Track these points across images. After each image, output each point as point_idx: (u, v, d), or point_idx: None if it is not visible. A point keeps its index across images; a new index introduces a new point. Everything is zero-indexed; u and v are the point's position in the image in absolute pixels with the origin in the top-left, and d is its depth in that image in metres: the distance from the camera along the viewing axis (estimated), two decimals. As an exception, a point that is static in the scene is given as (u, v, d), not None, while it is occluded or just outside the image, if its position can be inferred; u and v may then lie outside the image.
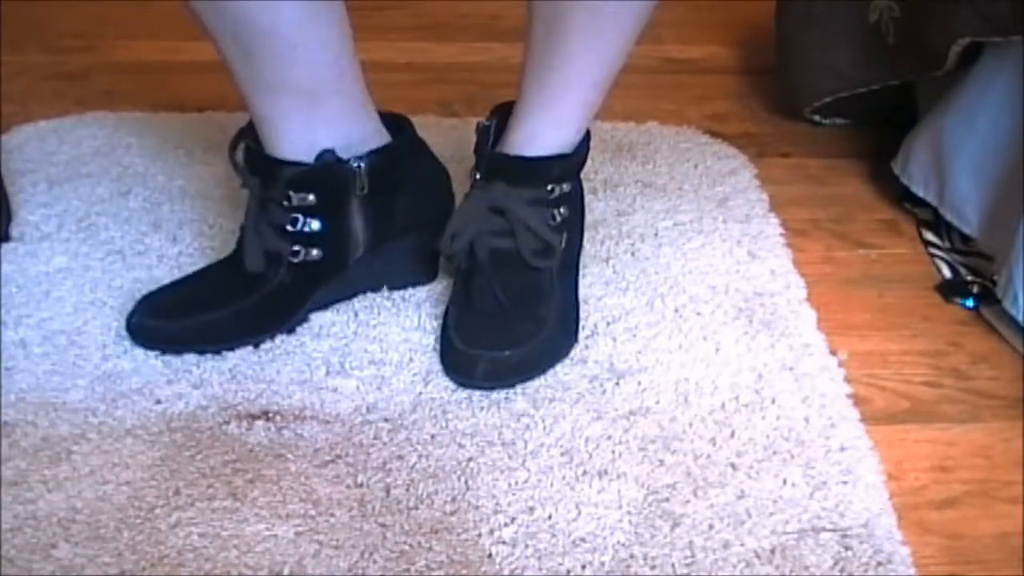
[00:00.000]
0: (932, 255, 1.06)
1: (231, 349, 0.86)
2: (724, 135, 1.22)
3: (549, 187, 0.88)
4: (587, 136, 0.91)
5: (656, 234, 1.03)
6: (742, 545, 0.74)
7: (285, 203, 0.86)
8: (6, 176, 1.00)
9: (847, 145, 1.23)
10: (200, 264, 0.95)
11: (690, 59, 1.40)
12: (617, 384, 0.86)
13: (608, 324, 0.92)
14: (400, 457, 0.79)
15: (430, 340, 0.89)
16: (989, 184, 1.00)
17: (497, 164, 0.87)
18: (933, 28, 1.01)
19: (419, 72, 1.31)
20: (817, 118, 1.25)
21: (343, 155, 0.86)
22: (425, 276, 0.95)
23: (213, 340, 0.86)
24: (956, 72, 1.02)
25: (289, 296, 0.88)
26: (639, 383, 0.86)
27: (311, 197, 0.85)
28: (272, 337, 0.88)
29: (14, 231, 0.98)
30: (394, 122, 0.92)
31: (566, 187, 0.89)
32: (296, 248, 0.87)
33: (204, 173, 1.08)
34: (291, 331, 0.89)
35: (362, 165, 0.87)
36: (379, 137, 0.90)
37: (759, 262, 1.01)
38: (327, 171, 0.86)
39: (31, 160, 1.08)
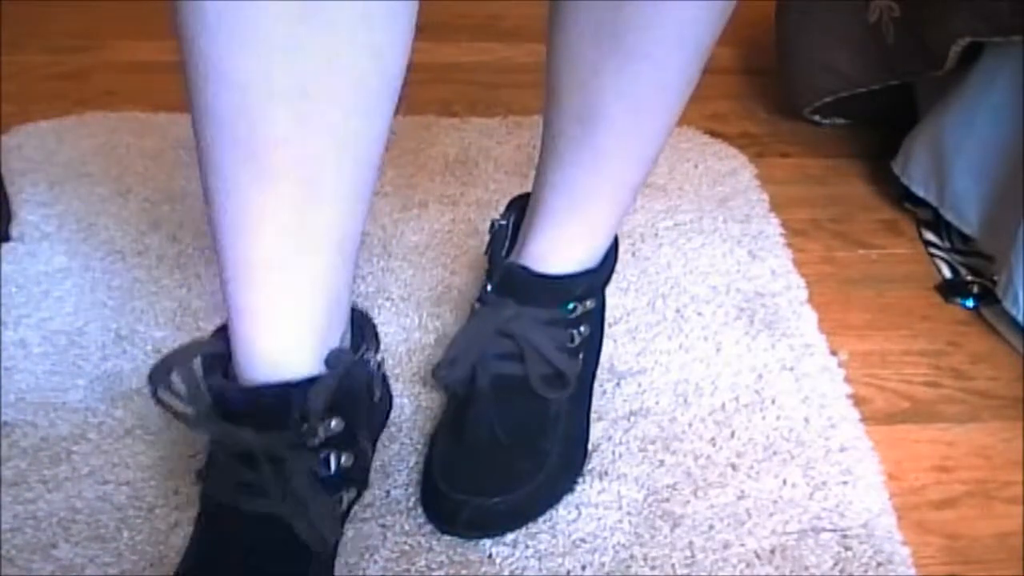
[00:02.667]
0: (932, 255, 1.06)
1: None
2: (724, 135, 1.22)
3: (571, 306, 0.76)
4: (615, 243, 0.79)
5: (656, 234, 1.03)
6: (742, 545, 0.74)
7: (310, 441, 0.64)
8: (6, 176, 1.00)
9: (847, 145, 1.23)
10: (200, 264, 0.95)
11: (690, 59, 1.40)
12: (618, 385, 0.86)
13: (609, 325, 0.91)
14: (400, 457, 0.79)
15: (430, 340, 0.89)
16: (989, 184, 1.00)
17: (511, 279, 0.75)
18: (933, 28, 1.01)
19: (419, 72, 1.29)
20: (817, 118, 1.24)
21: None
22: None
23: None
24: (956, 72, 1.02)
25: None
26: (639, 384, 0.86)
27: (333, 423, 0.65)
28: None
29: (14, 231, 0.98)
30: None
31: (590, 304, 0.77)
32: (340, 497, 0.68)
33: (204, 173, 1.08)
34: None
35: (377, 359, 0.73)
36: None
37: (759, 262, 1.01)
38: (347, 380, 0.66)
39: (31, 160, 1.08)
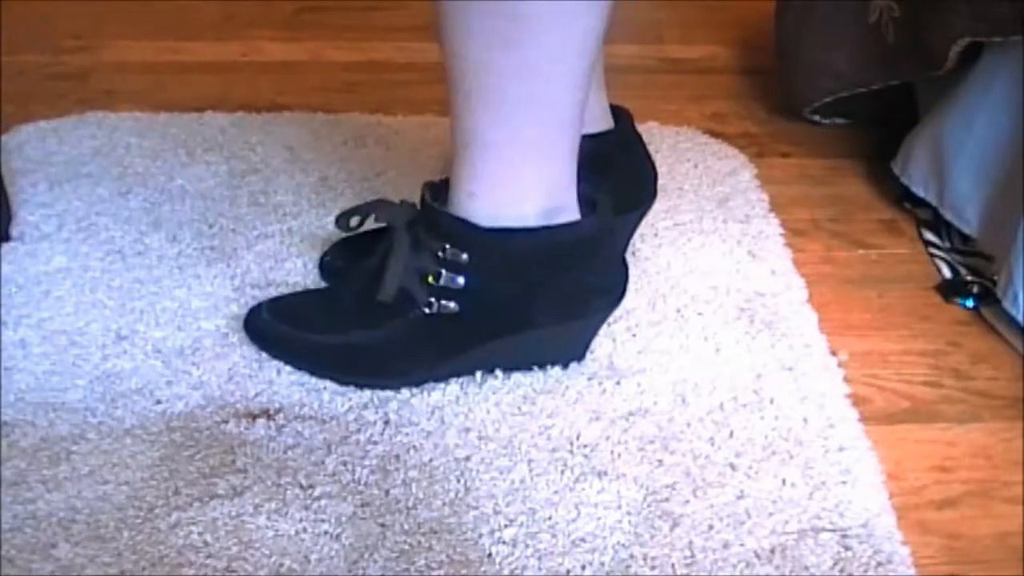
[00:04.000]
0: (932, 255, 1.06)
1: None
2: (724, 135, 1.22)
3: (444, 246, 0.79)
4: (524, 233, 0.78)
5: (656, 234, 1.03)
6: (742, 545, 0.74)
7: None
8: (6, 176, 1.00)
9: (847, 145, 1.23)
10: (200, 264, 0.95)
11: (690, 59, 1.40)
12: (617, 384, 0.86)
13: (609, 324, 0.91)
14: (398, 457, 0.79)
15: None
16: (989, 184, 1.00)
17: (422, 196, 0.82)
18: (933, 28, 1.01)
19: (419, 72, 1.31)
20: (817, 118, 1.24)
21: None
22: None
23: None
24: (956, 72, 1.02)
25: None
26: (639, 383, 0.86)
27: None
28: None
29: (14, 231, 0.98)
30: (614, 112, 0.92)
31: (464, 257, 0.79)
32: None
33: (204, 173, 1.08)
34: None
35: None
36: (603, 122, 0.89)
37: (759, 262, 1.01)
38: None
39: (31, 160, 1.08)
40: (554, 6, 0.69)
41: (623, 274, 0.84)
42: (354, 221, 0.84)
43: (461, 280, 0.79)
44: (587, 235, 0.80)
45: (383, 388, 0.84)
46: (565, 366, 0.87)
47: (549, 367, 0.87)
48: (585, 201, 0.81)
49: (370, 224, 0.85)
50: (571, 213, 0.80)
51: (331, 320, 0.85)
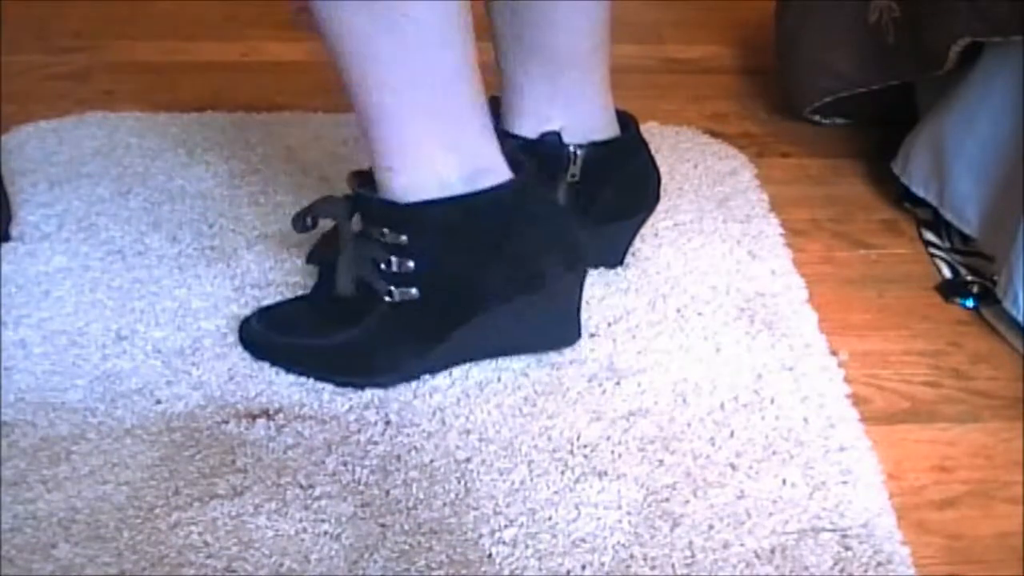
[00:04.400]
0: (932, 255, 1.06)
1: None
2: (724, 135, 1.22)
3: (383, 230, 0.79)
4: (436, 204, 0.78)
5: (656, 234, 1.03)
6: (742, 545, 0.74)
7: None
8: (6, 176, 1.00)
9: (847, 145, 1.23)
10: (200, 264, 0.95)
11: (690, 59, 1.40)
12: (617, 384, 0.86)
13: (609, 325, 0.92)
14: (398, 457, 0.79)
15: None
16: (989, 184, 1.00)
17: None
18: (933, 28, 1.01)
19: (419, 72, 1.31)
20: (817, 118, 1.24)
21: (568, 139, 0.86)
22: (611, 260, 0.97)
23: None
24: (956, 72, 1.02)
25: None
26: (639, 383, 0.86)
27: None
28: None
29: (14, 231, 0.98)
30: (621, 118, 0.93)
31: (403, 239, 0.79)
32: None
33: (204, 173, 1.08)
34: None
35: (579, 151, 0.86)
36: (609, 129, 0.90)
37: (759, 262, 1.01)
38: (544, 148, 0.85)
39: (31, 160, 1.08)
40: None
41: (573, 233, 0.82)
42: (309, 221, 0.83)
43: (411, 264, 0.79)
44: (513, 194, 0.79)
45: (379, 386, 0.84)
46: (561, 351, 0.87)
47: (550, 368, 0.87)
48: (513, 164, 0.81)
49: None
50: (500, 175, 0.79)
51: (315, 324, 0.85)
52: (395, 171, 0.78)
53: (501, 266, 0.80)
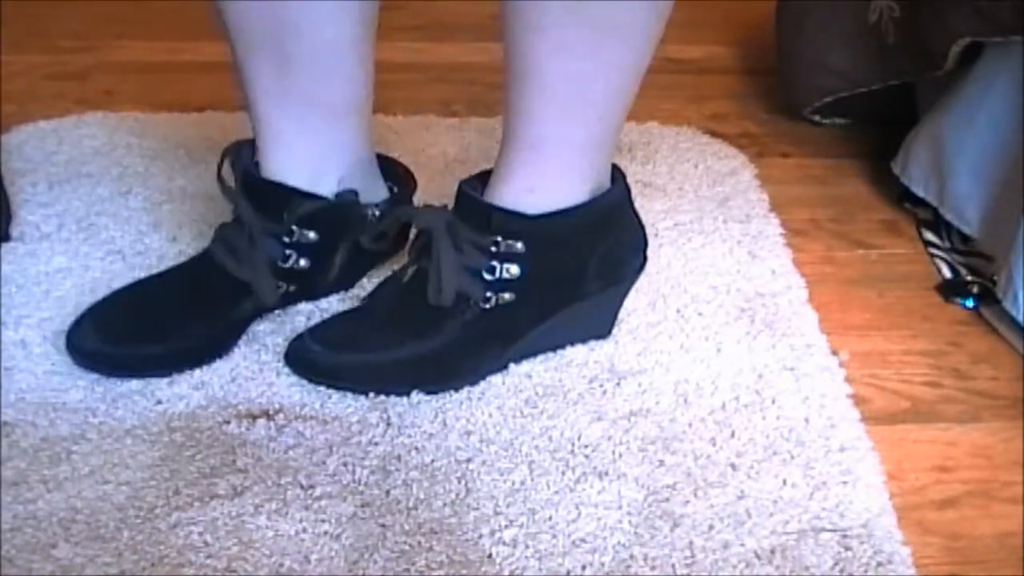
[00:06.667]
0: (932, 255, 1.06)
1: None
2: (724, 135, 1.22)
3: (496, 238, 0.81)
4: (569, 213, 0.81)
5: (656, 234, 1.03)
6: (742, 545, 0.74)
7: (286, 238, 0.85)
8: (6, 176, 1.00)
9: (847, 145, 1.23)
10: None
11: (690, 59, 1.40)
12: (618, 384, 0.86)
13: (608, 324, 0.92)
14: (399, 457, 0.79)
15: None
16: (989, 184, 1.00)
17: (457, 194, 0.83)
18: (933, 28, 1.01)
19: (419, 72, 1.31)
20: (817, 118, 1.25)
21: (345, 185, 0.86)
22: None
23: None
24: (956, 72, 1.02)
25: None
26: (639, 384, 0.86)
27: (312, 235, 0.85)
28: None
29: (14, 231, 0.98)
30: (393, 170, 0.94)
31: (519, 247, 0.81)
32: (279, 284, 0.87)
33: (204, 173, 1.08)
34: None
35: (376, 213, 0.88)
36: (379, 189, 0.91)
37: (760, 262, 1.01)
38: (342, 211, 0.86)
39: (31, 160, 1.08)
40: (632, 13, 0.72)
41: (644, 234, 0.88)
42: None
43: (516, 270, 0.81)
44: (618, 199, 0.84)
45: (456, 389, 0.84)
46: (561, 352, 0.87)
47: (551, 369, 0.87)
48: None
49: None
50: (606, 182, 0.84)
51: (381, 336, 0.84)
52: (536, 191, 0.80)
53: (599, 263, 0.84)
